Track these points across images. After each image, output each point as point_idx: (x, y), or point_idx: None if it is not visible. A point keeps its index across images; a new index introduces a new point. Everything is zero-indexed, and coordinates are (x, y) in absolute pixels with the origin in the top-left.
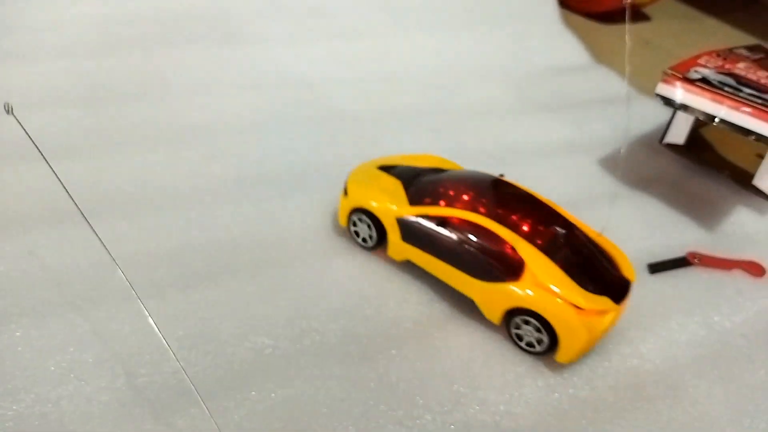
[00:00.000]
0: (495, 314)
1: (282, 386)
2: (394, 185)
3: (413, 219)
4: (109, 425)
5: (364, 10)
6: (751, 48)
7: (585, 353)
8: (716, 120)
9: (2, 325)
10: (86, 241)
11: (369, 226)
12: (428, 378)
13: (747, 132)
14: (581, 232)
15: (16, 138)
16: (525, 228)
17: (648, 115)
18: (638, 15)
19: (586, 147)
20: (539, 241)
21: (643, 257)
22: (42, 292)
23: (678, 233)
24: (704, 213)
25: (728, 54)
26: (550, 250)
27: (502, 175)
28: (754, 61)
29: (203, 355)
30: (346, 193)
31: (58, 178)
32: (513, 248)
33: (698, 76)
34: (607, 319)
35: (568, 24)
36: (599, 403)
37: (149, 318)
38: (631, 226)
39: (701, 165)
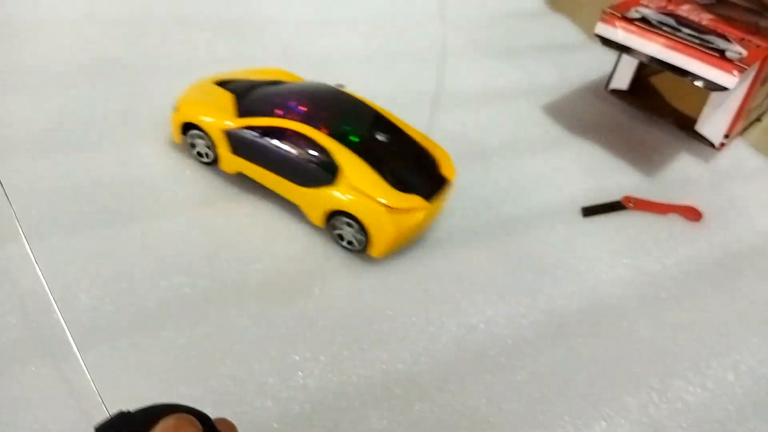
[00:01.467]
0: (317, 217)
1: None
2: (226, 99)
3: (239, 131)
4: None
5: None
6: None
7: (396, 247)
8: (651, 59)
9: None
10: None
11: (203, 139)
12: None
13: (684, 72)
14: (406, 135)
15: None
16: (345, 134)
17: (599, 64)
18: None
19: (531, 92)
20: (358, 146)
21: (580, 201)
22: None
23: (618, 178)
24: (646, 159)
25: None
26: (368, 154)
27: (341, 86)
28: (701, 5)
29: (117, 294)
30: (176, 109)
31: None
32: (329, 154)
33: (638, 16)
34: (417, 215)
35: None
36: (520, 339)
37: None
38: (569, 170)
39: (646, 111)
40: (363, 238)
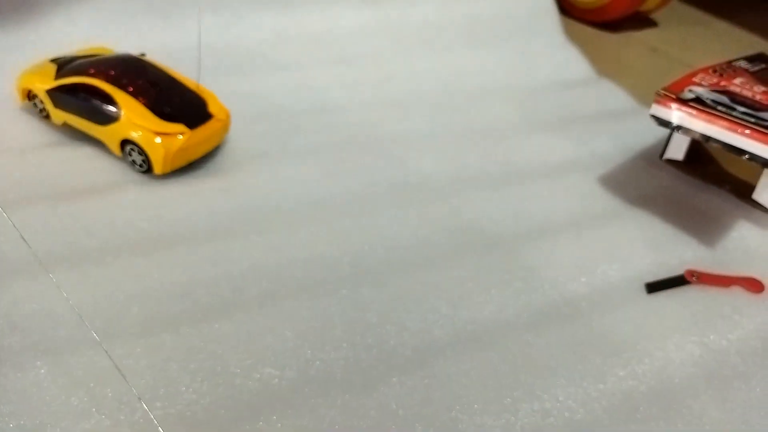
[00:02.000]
0: (114, 148)
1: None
2: (51, 68)
3: (54, 89)
4: None
5: (366, 33)
6: (751, 59)
7: (173, 165)
8: (710, 141)
9: (28, 362)
10: (103, 277)
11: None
12: (426, 405)
13: (740, 152)
14: (178, 83)
15: None
16: (129, 85)
17: (652, 129)
18: (645, 22)
19: (587, 164)
20: (136, 92)
21: (644, 276)
22: (63, 330)
23: (678, 251)
24: (705, 229)
25: (726, 68)
26: (143, 96)
27: (143, 54)
28: (753, 74)
29: (214, 387)
30: (17, 79)
31: None
32: (113, 98)
33: (692, 96)
34: (183, 138)
35: (572, 35)
36: (595, 425)
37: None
38: (631, 244)
39: (702, 180)
40: (144, 159)
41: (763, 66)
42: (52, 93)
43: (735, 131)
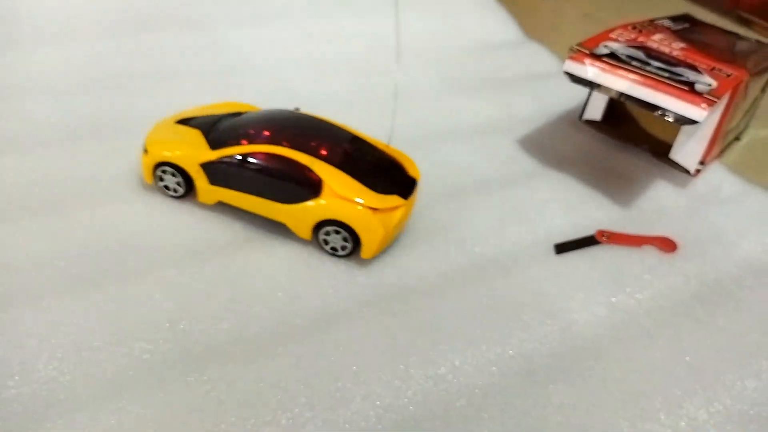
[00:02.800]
0: (305, 231)
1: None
2: (194, 135)
3: (216, 161)
4: None
5: None
6: (675, 18)
7: (384, 247)
8: (621, 95)
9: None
10: None
11: (174, 176)
12: (313, 375)
13: (654, 107)
14: (368, 144)
15: None
16: (319, 150)
17: (576, 91)
18: None
19: (507, 126)
20: (333, 159)
21: (555, 238)
22: None
23: (591, 211)
24: (621, 189)
25: (646, 25)
26: (343, 164)
27: (297, 109)
28: (674, 32)
29: (76, 364)
30: (146, 151)
31: None
32: (310, 169)
33: (606, 51)
34: (398, 213)
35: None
36: (489, 388)
37: None
38: (544, 206)
39: (621, 140)
40: (350, 241)
41: (687, 26)
42: (211, 166)
43: (647, 86)
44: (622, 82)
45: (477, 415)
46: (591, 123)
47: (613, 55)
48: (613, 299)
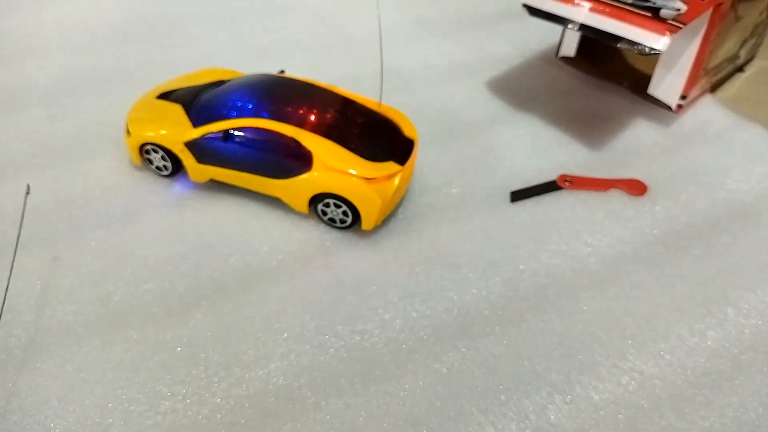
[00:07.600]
0: (301, 205)
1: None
2: (175, 110)
3: (200, 140)
4: None
5: None
6: None
7: (385, 216)
8: (581, 27)
9: None
10: None
11: (163, 157)
12: (232, 333)
13: (614, 38)
14: (361, 106)
15: None
16: (307, 119)
17: (555, 28)
18: None
19: (479, 68)
20: (322, 128)
21: (514, 185)
22: None
23: (560, 154)
24: (596, 130)
25: None
26: (332, 133)
27: (282, 72)
28: None
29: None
30: (128, 132)
31: None
32: (298, 142)
33: None
34: (396, 180)
35: None
36: (417, 345)
37: None
38: (515, 149)
39: (600, 78)
40: (350, 214)
41: None
42: (196, 145)
43: (605, 14)
44: (579, 12)
45: (399, 371)
46: (569, 60)
47: None
48: (565, 247)
